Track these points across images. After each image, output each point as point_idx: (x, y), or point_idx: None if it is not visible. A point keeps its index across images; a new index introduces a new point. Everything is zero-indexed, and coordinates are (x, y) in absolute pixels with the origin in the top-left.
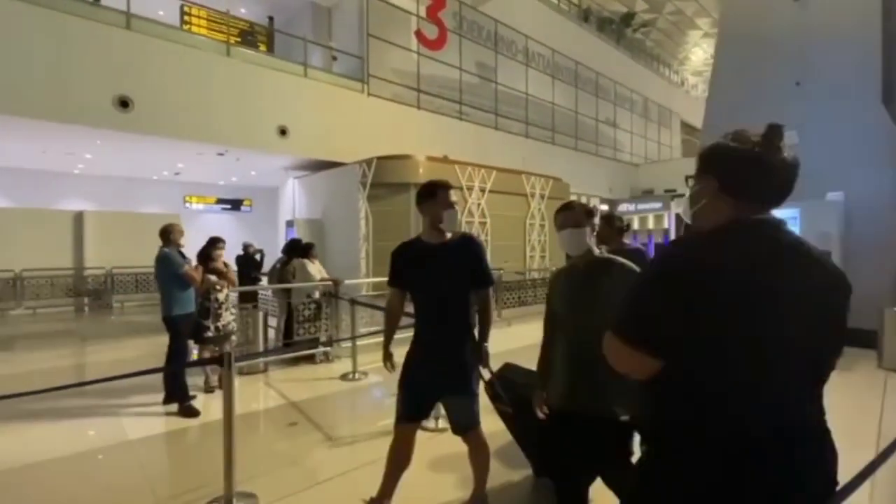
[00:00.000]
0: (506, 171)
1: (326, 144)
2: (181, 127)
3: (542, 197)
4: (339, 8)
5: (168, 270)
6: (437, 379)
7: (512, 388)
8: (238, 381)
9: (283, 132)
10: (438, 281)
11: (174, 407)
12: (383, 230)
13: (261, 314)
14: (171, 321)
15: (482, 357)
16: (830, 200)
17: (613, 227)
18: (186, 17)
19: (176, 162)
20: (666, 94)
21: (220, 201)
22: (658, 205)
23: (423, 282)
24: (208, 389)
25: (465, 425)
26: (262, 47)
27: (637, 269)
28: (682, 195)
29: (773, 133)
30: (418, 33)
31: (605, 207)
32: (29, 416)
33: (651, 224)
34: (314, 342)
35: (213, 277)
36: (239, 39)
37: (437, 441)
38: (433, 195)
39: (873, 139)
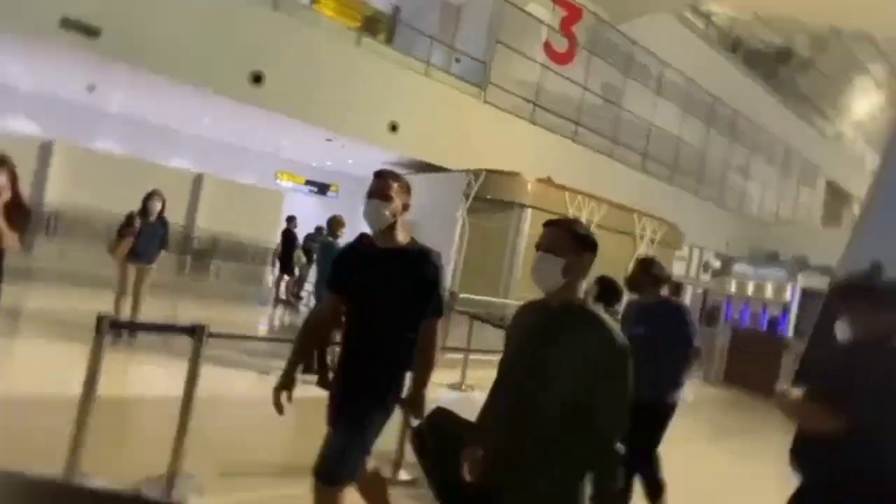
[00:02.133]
0: (618, 206)
1: (433, 146)
2: (301, 107)
3: (652, 241)
4: (469, 7)
5: (330, 255)
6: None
7: (443, 439)
8: None
9: (393, 128)
10: (373, 292)
11: (310, 378)
12: (478, 245)
13: None
14: None
15: (415, 407)
16: None
17: (650, 273)
18: None
19: (282, 139)
20: (815, 146)
21: (308, 182)
22: (781, 273)
23: (356, 290)
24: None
25: (332, 473)
26: (382, 36)
27: (616, 339)
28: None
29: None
30: (547, 45)
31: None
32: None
33: (769, 293)
34: None
35: None
36: (361, 26)
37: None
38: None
39: None
